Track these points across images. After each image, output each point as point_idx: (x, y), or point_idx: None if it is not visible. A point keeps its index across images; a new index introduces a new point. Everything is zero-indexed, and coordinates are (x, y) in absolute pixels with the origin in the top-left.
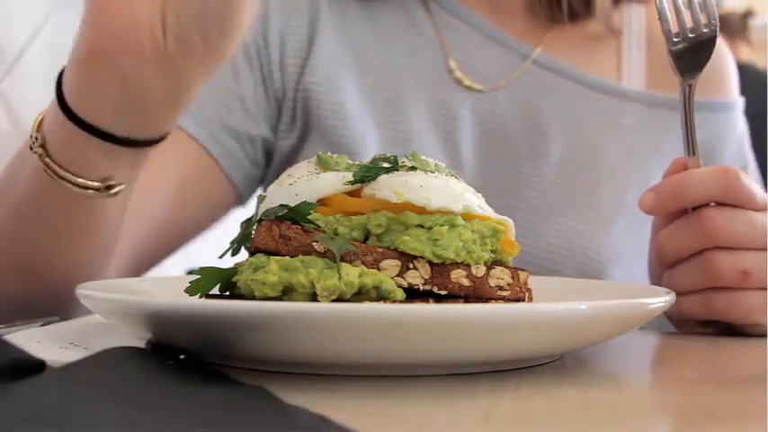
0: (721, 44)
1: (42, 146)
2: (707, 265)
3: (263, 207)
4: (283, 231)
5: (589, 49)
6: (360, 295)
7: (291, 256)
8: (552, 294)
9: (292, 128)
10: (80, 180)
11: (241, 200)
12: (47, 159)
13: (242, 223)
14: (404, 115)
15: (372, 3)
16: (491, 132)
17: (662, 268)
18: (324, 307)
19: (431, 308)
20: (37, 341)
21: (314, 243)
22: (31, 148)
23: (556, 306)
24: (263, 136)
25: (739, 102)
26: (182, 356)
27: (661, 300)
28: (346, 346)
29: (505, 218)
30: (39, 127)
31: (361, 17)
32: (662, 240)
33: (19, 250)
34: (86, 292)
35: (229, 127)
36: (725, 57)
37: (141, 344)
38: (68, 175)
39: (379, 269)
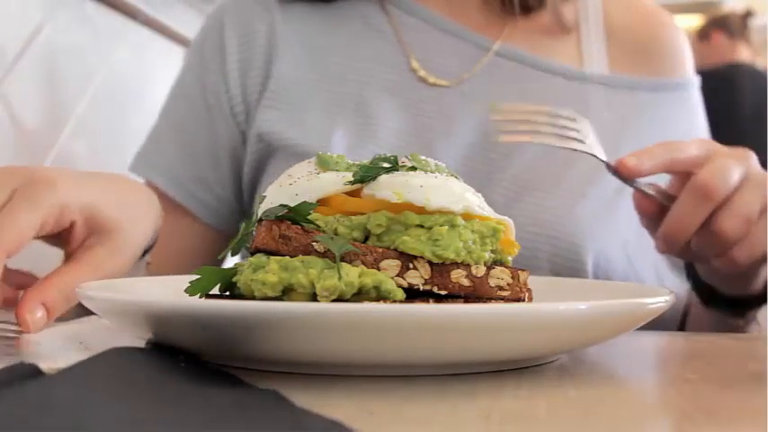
0: (672, 22)
1: None
2: (715, 233)
3: (263, 207)
4: (283, 231)
5: (549, 38)
6: (360, 295)
7: (291, 256)
8: (552, 294)
9: (257, 147)
10: None
11: (225, 227)
12: None
13: (241, 223)
14: (371, 119)
15: (331, 12)
16: (461, 124)
17: (680, 254)
18: (324, 307)
19: (431, 308)
20: (37, 341)
21: (314, 243)
22: None
23: (556, 306)
24: (233, 171)
25: (694, 80)
26: (181, 356)
27: (661, 300)
28: (346, 346)
29: (505, 218)
30: None
31: (321, 28)
32: (670, 227)
33: None
34: (87, 292)
35: (200, 178)
36: (677, 35)
37: (141, 344)
38: None
39: (378, 269)
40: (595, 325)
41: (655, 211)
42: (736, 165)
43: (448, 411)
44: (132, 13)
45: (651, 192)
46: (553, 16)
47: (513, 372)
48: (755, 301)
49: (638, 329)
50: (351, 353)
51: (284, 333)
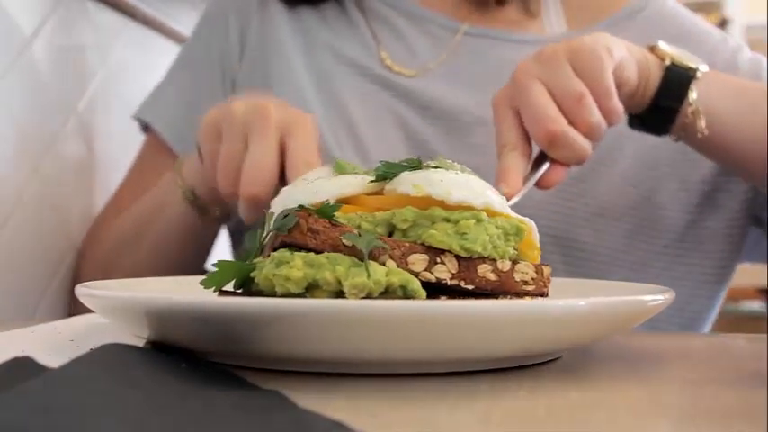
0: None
1: (193, 193)
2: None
3: (278, 204)
4: (311, 225)
5: (515, 24)
6: (386, 294)
7: (317, 252)
8: (550, 292)
9: None
10: (217, 212)
11: None
12: (198, 202)
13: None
14: (344, 111)
15: (322, 8)
16: (436, 110)
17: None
18: (322, 305)
19: (430, 305)
20: (36, 341)
21: (342, 238)
22: (184, 197)
23: (555, 303)
24: None
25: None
26: (181, 356)
27: (660, 297)
28: (346, 345)
29: (526, 219)
30: (182, 181)
31: (314, 23)
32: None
33: (147, 261)
34: (86, 290)
35: None
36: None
37: (139, 342)
38: (212, 209)
39: (407, 263)
40: (595, 322)
41: (561, 175)
42: (531, 77)
43: (448, 411)
44: (131, 12)
45: (534, 176)
46: (522, 7)
47: (514, 371)
48: None
49: (637, 329)
50: (350, 351)
51: (283, 331)
